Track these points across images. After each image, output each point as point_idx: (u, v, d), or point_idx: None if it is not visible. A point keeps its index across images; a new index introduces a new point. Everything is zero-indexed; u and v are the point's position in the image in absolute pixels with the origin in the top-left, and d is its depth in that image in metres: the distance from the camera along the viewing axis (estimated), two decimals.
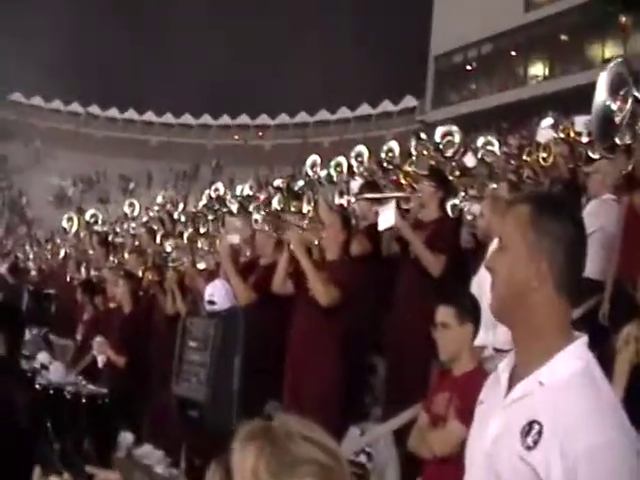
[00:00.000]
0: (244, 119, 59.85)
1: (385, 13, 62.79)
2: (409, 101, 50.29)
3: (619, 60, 6.83)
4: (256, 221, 7.02)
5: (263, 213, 7.02)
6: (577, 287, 1.86)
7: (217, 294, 5.90)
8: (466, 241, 6.47)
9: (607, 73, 6.22)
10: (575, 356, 1.78)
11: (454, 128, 8.65)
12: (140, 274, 8.27)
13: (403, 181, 7.61)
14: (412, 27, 49.83)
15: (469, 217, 6.38)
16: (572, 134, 8.52)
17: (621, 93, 6.34)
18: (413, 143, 8.76)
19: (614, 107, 6.29)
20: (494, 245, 3.87)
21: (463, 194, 6.80)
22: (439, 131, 8.47)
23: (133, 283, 7.89)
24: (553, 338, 1.80)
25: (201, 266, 7.55)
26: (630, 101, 6.25)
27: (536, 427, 1.70)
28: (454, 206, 6.70)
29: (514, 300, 1.83)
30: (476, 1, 37.03)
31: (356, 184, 7.96)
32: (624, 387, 3.60)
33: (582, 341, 1.82)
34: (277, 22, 66.11)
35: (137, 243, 10.38)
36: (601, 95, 6.19)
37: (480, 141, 9.59)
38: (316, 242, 5.90)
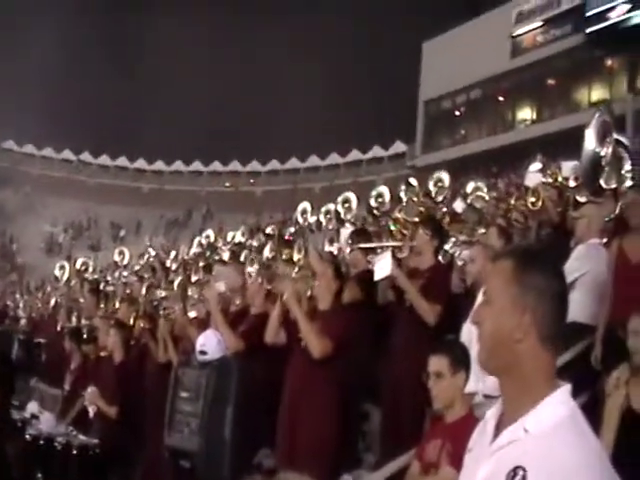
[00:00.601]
0: (235, 166, 60.23)
1: (375, 60, 63.72)
2: (399, 146, 50.76)
3: (602, 108, 7.01)
4: (250, 275, 7.03)
5: (257, 266, 7.05)
6: (561, 336, 1.92)
7: (209, 344, 5.89)
8: (456, 286, 6.51)
9: (593, 122, 6.39)
10: (559, 404, 1.83)
11: (443, 174, 8.78)
12: (131, 323, 8.25)
13: (393, 227, 7.67)
14: (402, 73, 50.57)
15: (459, 263, 6.44)
16: (560, 179, 8.65)
17: (607, 140, 6.50)
18: (402, 189, 8.86)
19: (602, 153, 6.46)
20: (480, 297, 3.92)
21: (454, 240, 6.88)
22: (431, 178, 8.61)
23: (124, 332, 7.88)
24: (538, 387, 1.85)
25: (192, 314, 7.54)
26: (613, 146, 6.42)
27: (520, 473, 1.74)
28: (445, 252, 6.77)
29: (499, 351, 1.89)
30: (464, 47, 37.73)
31: (346, 231, 8.00)
32: (615, 431, 3.63)
33: (566, 389, 1.87)
34: (268, 70, 67.04)
35: (128, 291, 10.38)
36: (590, 143, 6.37)
37: (470, 187, 9.74)
38: (308, 292, 5.91)
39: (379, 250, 6.24)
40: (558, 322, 1.90)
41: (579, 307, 5.29)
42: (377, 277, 5.90)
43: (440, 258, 6.56)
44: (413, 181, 9.34)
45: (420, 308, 5.64)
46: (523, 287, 1.87)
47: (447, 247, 6.75)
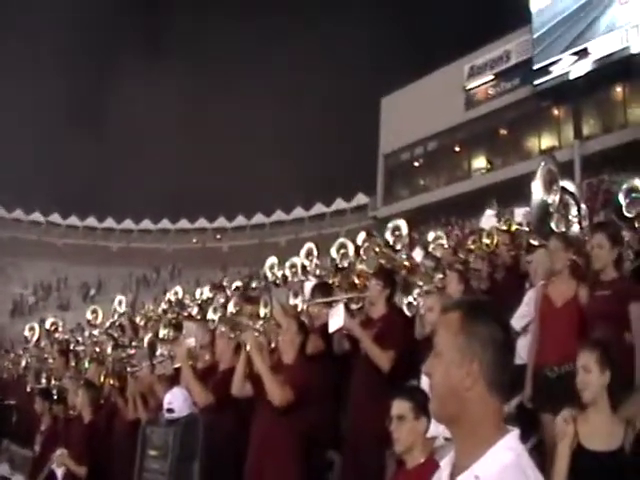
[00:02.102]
0: (202, 222, 60.21)
1: (339, 115, 64.62)
2: (361, 198, 51.25)
3: (547, 158, 7.18)
4: (212, 321, 7.02)
5: (219, 314, 7.02)
6: (507, 383, 1.96)
7: (176, 402, 5.82)
8: (421, 334, 6.55)
9: (540, 172, 6.55)
10: (506, 450, 1.86)
11: (400, 222, 8.86)
12: (100, 382, 8.13)
13: (357, 280, 7.70)
14: (363, 128, 51.37)
15: (422, 311, 6.48)
16: (513, 225, 8.80)
17: (554, 188, 6.66)
18: (361, 241, 8.92)
19: (549, 201, 6.61)
20: None
21: (418, 291, 6.93)
22: (389, 227, 8.67)
23: (93, 392, 7.74)
24: (487, 433, 1.89)
25: (160, 372, 7.45)
26: (559, 193, 6.57)
27: None
28: (409, 304, 6.81)
29: (450, 400, 1.93)
30: (420, 101, 38.43)
31: (310, 284, 8.01)
32: (566, 472, 3.63)
33: (514, 434, 1.91)
34: (232, 126, 67.52)
35: (97, 350, 10.23)
36: (538, 192, 6.52)
37: (430, 236, 9.87)
38: (272, 344, 5.91)
39: (334, 303, 6.29)
40: (504, 369, 1.95)
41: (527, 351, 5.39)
42: (331, 329, 5.96)
43: (406, 310, 6.63)
44: (373, 232, 9.42)
45: (374, 355, 5.67)
46: (470, 337, 1.92)
47: (411, 299, 6.82)
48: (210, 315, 8.59)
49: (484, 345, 1.91)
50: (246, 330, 6.00)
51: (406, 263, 8.00)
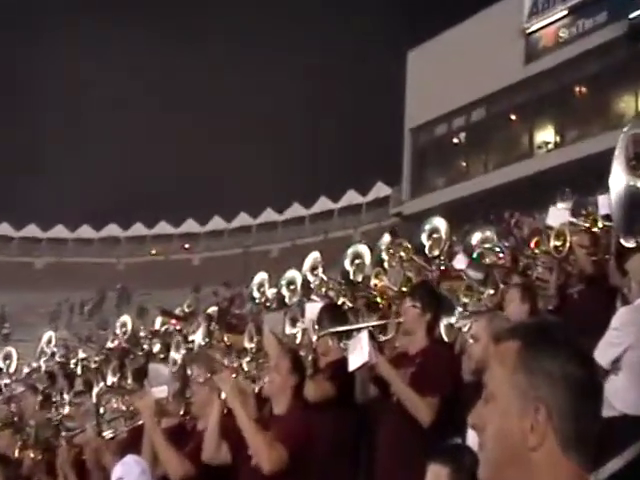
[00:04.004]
0: (164, 227, 60.31)
1: (345, 77, 64.55)
2: (381, 189, 51.30)
3: (634, 121, 7.14)
4: (175, 362, 7.03)
5: (184, 351, 7.05)
6: (591, 439, 1.93)
7: (129, 475, 5.83)
8: (468, 373, 6.53)
9: (621, 143, 6.46)
10: None
11: (439, 221, 8.86)
12: (17, 455, 8.13)
13: (379, 300, 7.73)
14: (380, 95, 51.18)
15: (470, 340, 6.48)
16: (599, 221, 8.65)
17: None
18: (384, 246, 8.92)
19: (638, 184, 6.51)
20: None
21: (461, 309, 6.92)
22: (425, 229, 8.69)
23: (8, 469, 7.71)
24: None
25: (108, 435, 7.46)
26: None
27: None
28: (450, 327, 6.80)
29: (507, 464, 1.91)
30: (460, 54, 38.15)
31: (314, 307, 8.01)
32: None
33: None
34: (201, 93, 67.72)
35: (14, 409, 10.19)
36: (619, 174, 6.41)
37: (476, 237, 9.82)
38: (257, 389, 5.94)
39: (355, 332, 6.25)
40: (586, 419, 1.93)
41: (626, 394, 5.37)
42: (352, 367, 5.93)
43: (444, 335, 6.61)
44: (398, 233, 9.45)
45: (411, 404, 5.69)
46: (534, 375, 1.91)
47: (452, 320, 6.80)
48: (172, 353, 8.62)
49: (554, 385, 1.89)
50: (221, 370, 6.03)
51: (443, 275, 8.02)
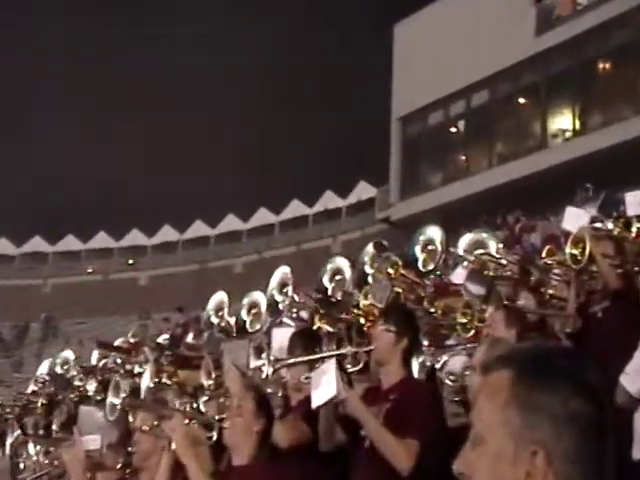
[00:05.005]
0: (103, 240, 60.31)
1: (319, 55, 64.96)
2: (364, 190, 51.56)
3: None
4: (113, 407, 7.02)
5: (124, 394, 7.03)
6: None
7: None
8: (454, 414, 6.58)
9: None
10: None
11: (433, 230, 8.87)
12: None
13: (363, 322, 7.74)
14: (362, 78, 51.42)
15: (448, 381, 6.53)
16: (633, 224, 8.60)
17: None
18: (367, 258, 8.91)
19: None
20: None
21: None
22: (420, 239, 8.69)
23: None
24: None
25: None
26: None
27: None
28: (422, 366, 6.85)
29: None
30: (458, 26, 38.39)
31: (283, 332, 8.00)
32: None
33: None
34: (149, 79, 68.17)
35: None
36: None
37: (463, 241, 9.78)
38: (214, 436, 5.86)
39: (319, 362, 6.32)
40: (595, 463, 1.91)
41: None
42: (315, 403, 5.91)
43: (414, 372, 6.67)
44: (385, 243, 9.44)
45: (386, 447, 5.71)
46: (530, 412, 1.90)
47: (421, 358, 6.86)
48: (110, 397, 8.59)
49: (554, 424, 1.89)
50: (171, 416, 5.99)
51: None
